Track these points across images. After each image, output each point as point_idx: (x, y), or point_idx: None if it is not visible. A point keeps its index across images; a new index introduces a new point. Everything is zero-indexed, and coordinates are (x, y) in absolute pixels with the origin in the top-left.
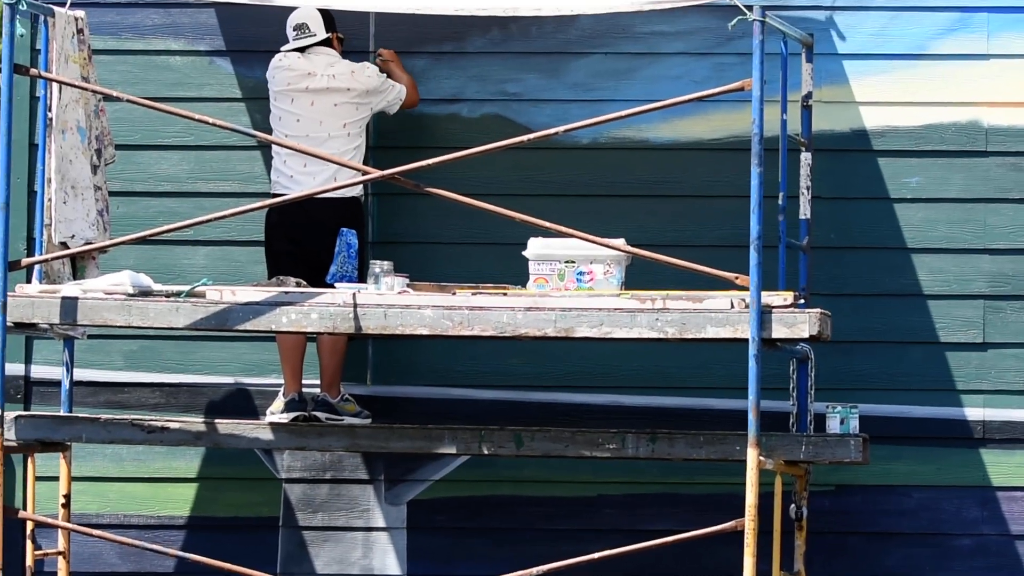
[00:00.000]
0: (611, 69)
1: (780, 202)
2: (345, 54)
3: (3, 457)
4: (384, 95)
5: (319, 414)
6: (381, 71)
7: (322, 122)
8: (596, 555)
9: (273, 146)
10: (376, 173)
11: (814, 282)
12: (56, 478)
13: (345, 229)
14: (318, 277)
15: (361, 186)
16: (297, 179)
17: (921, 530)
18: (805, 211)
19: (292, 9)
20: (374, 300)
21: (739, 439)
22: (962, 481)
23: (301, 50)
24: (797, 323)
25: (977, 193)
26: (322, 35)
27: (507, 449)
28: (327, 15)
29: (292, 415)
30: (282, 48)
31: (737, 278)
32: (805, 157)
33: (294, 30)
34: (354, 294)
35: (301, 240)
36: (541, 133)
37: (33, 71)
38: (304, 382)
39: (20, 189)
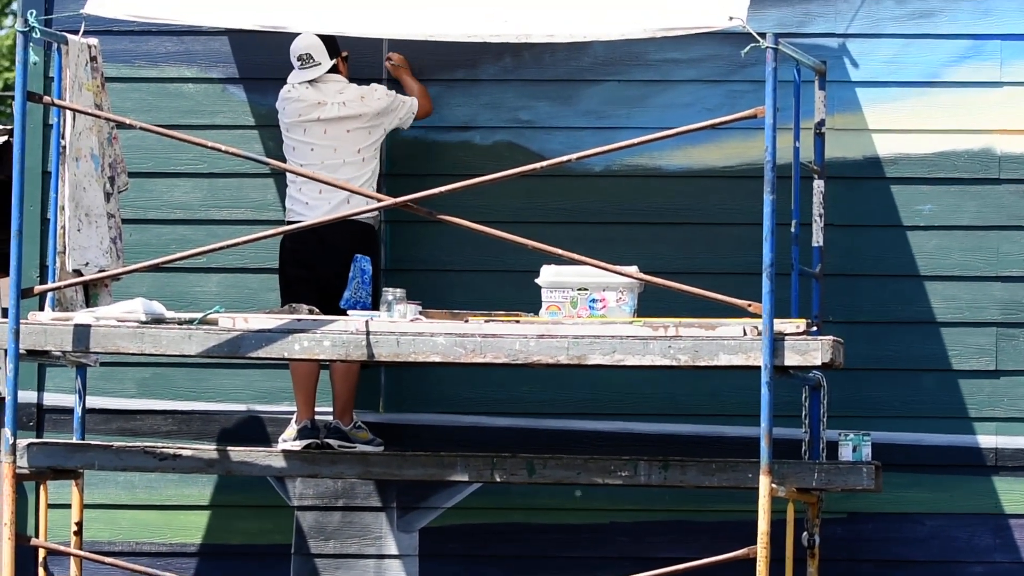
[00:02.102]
0: (623, 96)
1: (793, 229)
2: (358, 81)
3: (15, 484)
4: (396, 113)
5: (331, 441)
6: (391, 76)
7: (336, 149)
8: None
9: (288, 174)
10: (389, 200)
11: (827, 309)
12: (68, 505)
13: (359, 255)
14: (332, 303)
15: (376, 212)
16: (312, 205)
17: (934, 558)
18: (818, 238)
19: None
20: (386, 328)
21: (751, 467)
22: (975, 509)
23: (309, 80)
24: (810, 350)
25: (990, 220)
26: (327, 63)
27: (519, 476)
28: (329, 40)
29: (304, 442)
30: (289, 79)
31: (750, 305)
32: (818, 185)
33: (298, 60)
34: (367, 321)
35: (315, 266)
36: (554, 160)
37: (46, 99)
38: (317, 409)
39: (33, 217)
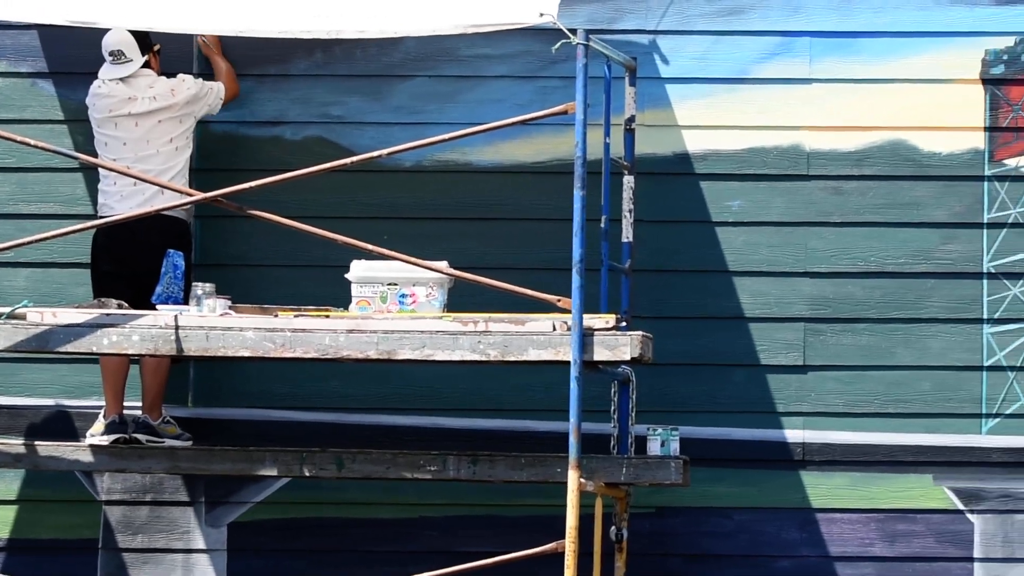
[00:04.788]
0: (435, 92)
1: (603, 225)
2: (168, 74)
3: None
4: (204, 100)
5: (140, 436)
6: (201, 53)
7: (148, 141)
8: None
9: (100, 168)
10: (199, 196)
11: (636, 305)
12: None
13: (171, 250)
14: (145, 298)
15: (190, 207)
16: (126, 195)
17: (741, 552)
18: (627, 234)
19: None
20: (196, 322)
21: (560, 461)
22: (782, 503)
23: (120, 77)
24: (619, 345)
25: (798, 216)
26: (139, 60)
27: (328, 471)
28: (141, 35)
29: (112, 437)
30: (100, 74)
31: (559, 300)
32: (628, 180)
33: (110, 55)
34: (176, 316)
35: (127, 261)
36: (364, 156)
37: None
38: (126, 404)
39: None
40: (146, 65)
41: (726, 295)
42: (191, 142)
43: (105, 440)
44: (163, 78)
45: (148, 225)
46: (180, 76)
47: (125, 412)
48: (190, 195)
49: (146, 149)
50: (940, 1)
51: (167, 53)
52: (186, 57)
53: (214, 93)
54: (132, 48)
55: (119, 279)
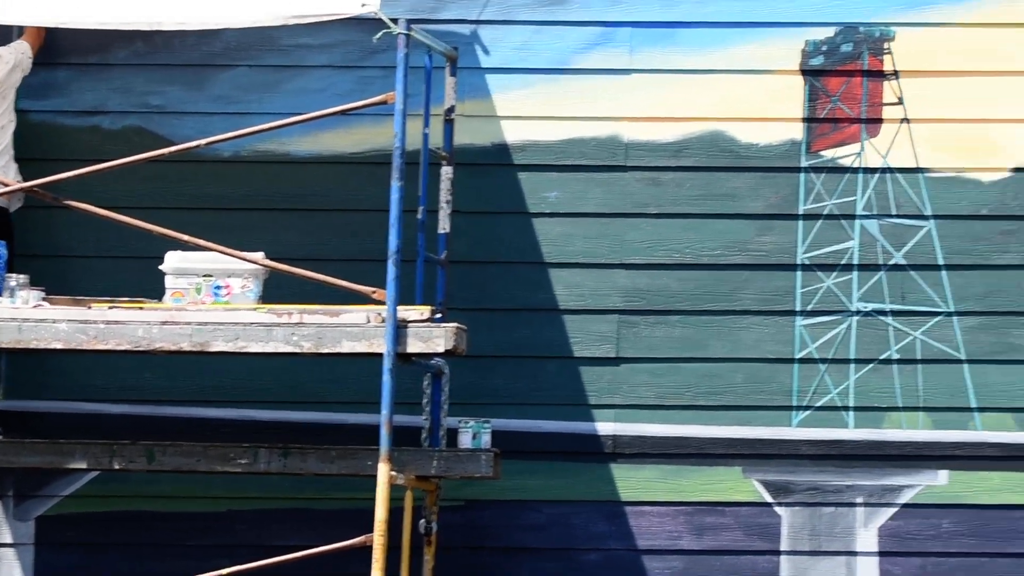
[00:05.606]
0: (255, 82)
1: (420, 216)
2: None
3: None
4: (20, 66)
5: None
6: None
7: None
8: (226, 571)
9: None
10: (15, 185)
11: (452, 297)
12: None
13: None
14: None
15: (13, 195)
16: None
17: (551, 545)
18: (444, 225)
19: None
20: (8, 314)
21: (371, 454)
22: (592, 496)
23: None
24: (433, 337)
25: (615, 208)
26: None
27: (139, 464)
28: None
29: None
30: None
31: (374, 292)
32: (446, 171)
33: None
34: None
35: None
36: (183, 146)
37: None
38: None
39: None
40: None
41: (542, 287)
42: (15, 116)
43: None
44: None
45: None
46: None
47: None
48: (5, 184)
49: None
50: None
51: None
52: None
53: (25, 56)
54: None
55: None
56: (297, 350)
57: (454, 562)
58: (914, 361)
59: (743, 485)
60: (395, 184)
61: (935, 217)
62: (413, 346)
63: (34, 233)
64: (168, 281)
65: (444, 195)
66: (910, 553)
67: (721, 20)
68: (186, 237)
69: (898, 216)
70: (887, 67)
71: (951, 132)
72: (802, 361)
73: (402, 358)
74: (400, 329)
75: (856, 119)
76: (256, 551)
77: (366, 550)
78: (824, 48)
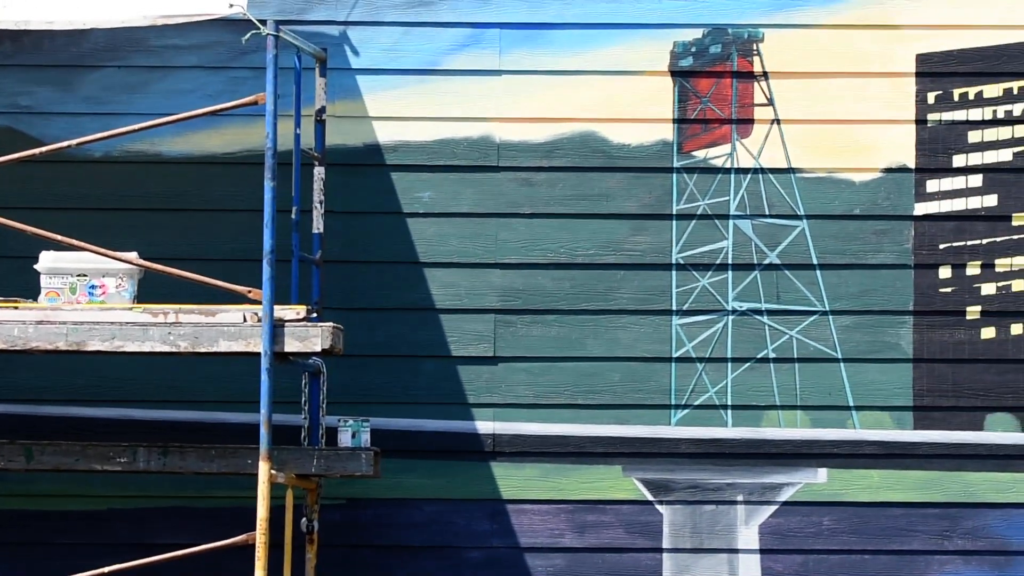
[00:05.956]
0: (124, 82)
1: (293, 216)
2: None
3: None
4: None
5: None
6: None
7: None
8: (107, 569)
9: None
10: None
11: (328, 296)
12: None
13: None
14: None
15: None
16: None
17: (432, 543)
18: (318, 225)
19: None
20: None
21: (251, 452)
22: (472, 495)
23: None
24: (310, 337)
25: (488, 208)
26: None
27: (17, 463)
28: None
29: None
30: None
31: (250, 292)
32: (318, 171)
33: None
34: None
35: None
36: (53, 146)
37: None
38: None
39: None
40: None
41: (417, 286)
42: None
43: None
44: None
45: None
46: None
47: None
48: None
49: None
50: None
51: None
52: None
53: None
54: None
55: None
56: (174, 349)
57: (336, 560)
58: (791, 360)
59: (623, 483)
60: (268, 184)
61: (808, 217)
62: (290, 345)
63: None
64: (43, 281)
65: (317, 195)
66: (791, 551)
67: (588, 22)
68: (59, 237)
69: (771, 216)
70: (756, 68)
71: (821, 133)
72: (679, 360)
73: (279, 357)
74: (277, 328)
75: (727, 120)
76: (137, 550)
77: (245, 549)
78: (693, 49)
